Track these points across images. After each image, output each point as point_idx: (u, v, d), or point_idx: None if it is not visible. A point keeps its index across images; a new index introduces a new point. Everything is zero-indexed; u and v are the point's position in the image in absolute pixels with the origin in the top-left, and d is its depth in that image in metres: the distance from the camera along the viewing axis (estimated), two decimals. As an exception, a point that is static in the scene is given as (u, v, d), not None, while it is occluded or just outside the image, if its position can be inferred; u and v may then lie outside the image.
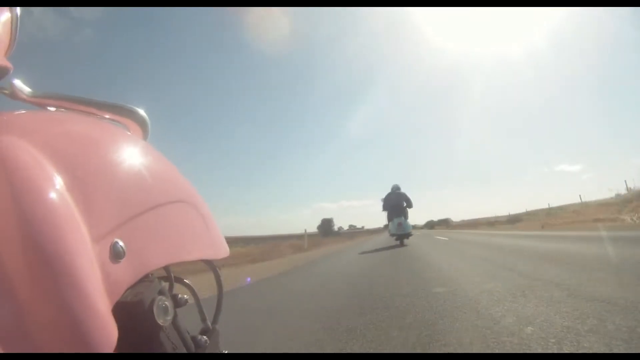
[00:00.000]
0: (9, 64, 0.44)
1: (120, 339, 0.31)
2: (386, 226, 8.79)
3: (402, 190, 8.31)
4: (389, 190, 8.46)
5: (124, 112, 0.56)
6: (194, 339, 0.51)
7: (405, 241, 7.97)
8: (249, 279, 4.54)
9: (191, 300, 0.54)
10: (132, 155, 0.44)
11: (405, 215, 7.88)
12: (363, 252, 7.28)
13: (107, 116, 0.55)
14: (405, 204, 8.06)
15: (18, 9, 0.45)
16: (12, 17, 0.45)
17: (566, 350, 1.06)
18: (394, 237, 8.02)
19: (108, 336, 0.29)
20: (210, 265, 0.60)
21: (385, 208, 8.30)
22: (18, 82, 0.45)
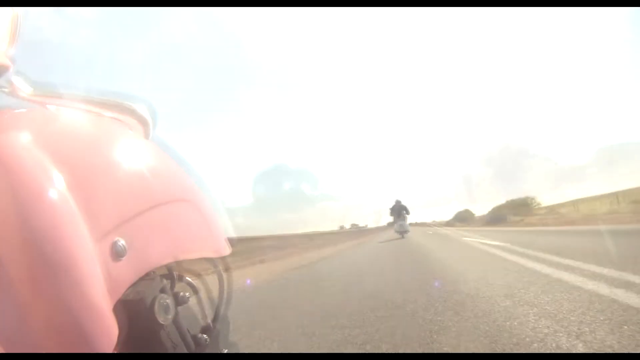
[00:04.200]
0: (8, 62, 0.43)
1: (121, 338, 0.31)
2: (390, 224, 13.39)
3: (403, 202, 13.21)
4: (391, 195, 13.42)
5: (126, 109, 0.55)
6: (194, 337, 0.50)
7: (405, 235, 12.29)
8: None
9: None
10: (133, 153, 0.43)
11: (405, 219, 12.60)
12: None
13: (108, 114, 0.54)
14: (404, 212, 12.73)
15: (19, 9, 0.45)
16: (13, 17, 0.44)
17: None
18: (398, 233, 12.21)
19: (108, 336, 0.29)
20: (213, 263, 0.60)
21: (392, 214, 12.93)
22: (18, 80, 0.45)
